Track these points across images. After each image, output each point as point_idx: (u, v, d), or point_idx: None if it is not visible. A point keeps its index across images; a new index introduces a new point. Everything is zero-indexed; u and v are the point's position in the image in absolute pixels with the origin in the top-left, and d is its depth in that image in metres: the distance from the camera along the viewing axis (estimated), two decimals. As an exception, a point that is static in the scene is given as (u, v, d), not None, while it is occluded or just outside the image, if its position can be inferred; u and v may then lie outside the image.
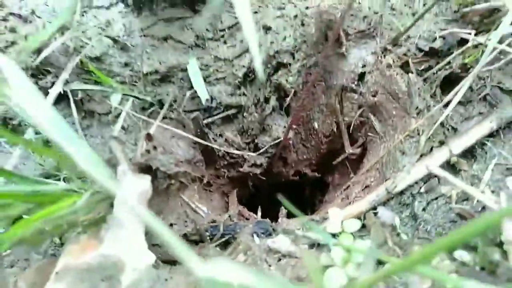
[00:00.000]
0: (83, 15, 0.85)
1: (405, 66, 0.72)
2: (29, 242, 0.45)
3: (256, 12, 0.83)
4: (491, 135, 0.66)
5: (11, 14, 0.84)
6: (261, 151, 0.77)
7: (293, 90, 0.75)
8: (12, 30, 0.82)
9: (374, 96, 0.73)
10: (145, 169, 0.60)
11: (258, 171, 0.79)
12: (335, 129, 0.83)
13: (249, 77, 0.77)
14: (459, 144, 0.64)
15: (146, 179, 0.58)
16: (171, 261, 0.59)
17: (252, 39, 0.32)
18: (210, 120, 0.77)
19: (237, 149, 0.76)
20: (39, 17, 0.86)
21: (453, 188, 0.61)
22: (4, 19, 0.83)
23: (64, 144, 0.33)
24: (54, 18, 0.85)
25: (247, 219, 0.70)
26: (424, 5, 0.80)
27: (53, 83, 0.74)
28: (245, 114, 0.76)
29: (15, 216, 0.49)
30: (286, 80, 0.74)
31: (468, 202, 0.59)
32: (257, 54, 0.31)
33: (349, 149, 0.81)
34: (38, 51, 0.72)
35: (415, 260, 0.28)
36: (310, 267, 0.26)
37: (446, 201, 0.61)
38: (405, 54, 0.74)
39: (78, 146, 0.34)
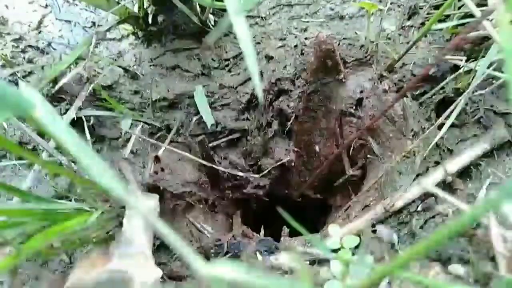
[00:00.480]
0: (96, 47, 0.90)
1: (402, 92, 0.76)
2: (44, 255, 0.48)
3: (259, 43, 0.88)
4: (485, 155, 0.69)
5: (29, 46, 0.90)
6: (264, 173, 0.80)
7: (294, 115, 0.79)
8: (30, 61, 0.88)
9: (372, 119, 0.77)
10: (153, 189, 0.63)
11: (261, 192, 0.82)
12: (335, 152, 0.86)
13: (252, 103, 0.81)
14: (454, 164, 0.66)
15: (154, 198, 0.61)
16: (176, 277, 0.61)
17: (254, 68, 0.36)
18: (215, 143, 0.80)
19: (241, 171, 0.79)
20: (54, 49, 0.92)
21: (449, 206, 0.63)
22: (23, 51, 0.89)
23: (82, 159, 0.36)
24: (70, 50, 0.91)
25: (250, 238, 0.72)
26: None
27: (67, 110, 0.79)
28: (248, 137, 0.80)
29: (30, 233, 0.52)
30: (287, 106, 0.78)
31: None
32: (258, 81, 0.35)
33: (349, 171, 0.84)
34: (55, 80, 0.77)
35: (397, 265, 0.30)
36: (303, 279, 0.29)
37: (443, 219, 0.63)
38: (400, 80, 0.77)
39: (95, 162, 0.37)
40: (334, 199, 0.94)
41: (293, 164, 0.82)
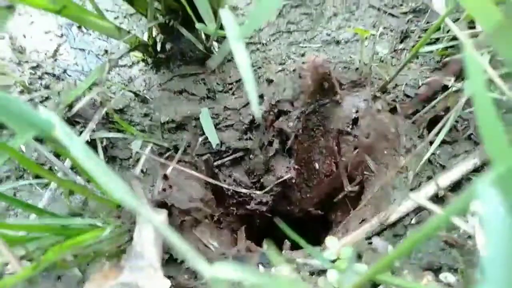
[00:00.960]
0: (109, 73, 0.97)
1: (394, 111, 0.80)
2: (59, 267, 0.52)
3: (260, 67, 0.94)
4: (476, 170, 0.72)
5: (46, 73, 0.97)
6: (266, 189, 0.84)
7: (293, 134, 0.84)
8: (47, 87, 0.94)
9: (367, 137, 0.81)
10: (162, 205, 0.68)
11: (264, 208, 0.86)
12: (334, 169, 0.90)
13: (254, 123, 0.86)
14: (446, 179, 0.70)
15: (163, 213, 0.66)
16: (184, 288, 0.64)
17: (252, 91, 0.41)
18: (220, 162, 0.85)
19: (244, 188, 0.83)
20: (69, 76, 0.98)
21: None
22: (40, 78, 0.96)
23: (98, 175, 0.41)
24: (84, 76, 0.97)
25: (253, 252, 0.75)
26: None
27: (81, 132, 0.84)
28: (251, 156, 0.85)
29: (47, 247, 0.56)
30: (287, 125, 0.83)
31: (455, 231, 0.65)
32: (255, 103, 0.40)
33: (348, 187, 0.87)
34: (70, 104, 0.82)
35: (382, 265, 0.34)
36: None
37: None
38: (393, 100, 0.82)
39: (110, 178, 0.42)
40: (335, 214, 0.98)
41: (293, 181, 0.86)
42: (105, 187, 0.41)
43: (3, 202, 0.80)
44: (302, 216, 1.00)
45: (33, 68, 0.96)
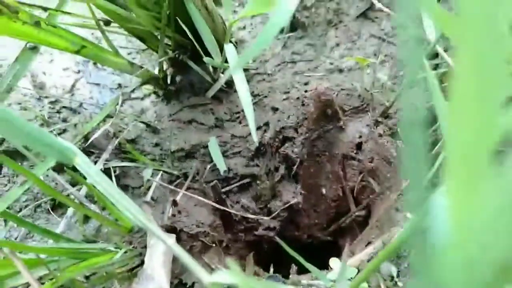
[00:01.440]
0: (122, 106, 1.02)
1: (396, 135, 0.83)
2: (75, 287, 0.54)
3: (266, 96, 0.98)
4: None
5: (64, 107, 1.02)
6: (273, 215, 0.86)
7: (298, 160, 0.86)
8: (64, 120, 1.00)
9: (371, 162, 0.83)
10: (171, 230, 0.70)
11: (272, 234, 0.88)
12: (341, 194, 0.92)
13: (260, 150, 0.89)
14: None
15: (172, 237, 0.68)
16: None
17: (250, 116, 0.44)
18: (227, 188, 0.87)
19: (252, 214, 0.86)
20: (85, 109, 1.04)
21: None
22: (58, 112, 1.01)
23: (114, 199, 0.44)
24: (99, 109, 1.02)
25: (260, 276, 0.76)
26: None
27: (95, 162, 0.88)
28: (258, 182, 0.87)
29: (64, 269, 0.59)
30: (292, 151, 0.86)
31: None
32: (252, 123, 0.43)
33: (354, 211, 0.89)
34: (86, 136, 0.87)
35: (370, 269, 0.36)
36: None
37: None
38: (395, 125, 0.85)
39: (125, 200, 0.45)
40: (344, 240, 0.99)
41: (300, 206, 0.88)
42: (120, 209, 0.44)
43: (22, 229, 0.84)
44: (311, 242, 1.01)
45: (52, 102, 1.02)
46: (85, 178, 0.66)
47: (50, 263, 0.58)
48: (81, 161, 0.46)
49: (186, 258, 0.35)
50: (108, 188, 0.44)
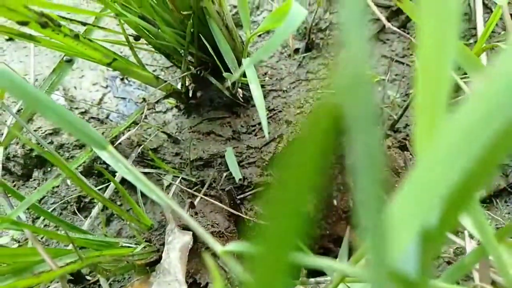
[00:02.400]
0: (146, 118, 1.08)
1: (404, 148, 0.86)
2: (99, 273, 0.59)
3: (281, 111, 1.03)
4: (484, 202, 0.76)
5: (92, 118, 1.10)
6: (285, 222, 0.89)
7: (310, 169, 0.90)
8: (92, 130, 1.06)
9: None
10: (188, 229, 0.75)
11: (284, 241, 0.91)
12: (351, 205, 0.95)
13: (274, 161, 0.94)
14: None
15: (188, 234, 0.72)
16: (206, 305, 0.69)
17: (261, 106, 0.49)
18: (242, 196, 0.92)
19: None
20: (111, 121, 1.11)
21: (451, 246, 0.69)
22: (87, 121, 1.08)
23: (148, 191, 0.49)
24: (124, 121, 1.09)
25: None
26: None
27: (119, 168, 0.94)
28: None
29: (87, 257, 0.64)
30: (304, 161, 0.90)
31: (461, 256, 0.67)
32: (265, 123, 0.48)
33: (365, 222, 0.91)
34: (112, 143, 0.93)
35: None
36: None
37: (445, 260, 0.69)
38: (404, 139, 0.88)
39: (150, 186, 0.50)
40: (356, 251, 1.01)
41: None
42: (149, 195, 0.49)
43: (49, 228, 0.89)
44: (323, 253, 1.03)
45: (81, 113, 1.09)
46: (113, 176, 0.72)
47: (74, 254, 0.63)
48: (113, 151, 0.52)
49: (199, 230, 0.40)
50: (139, 175, 0.49)
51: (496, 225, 0.72)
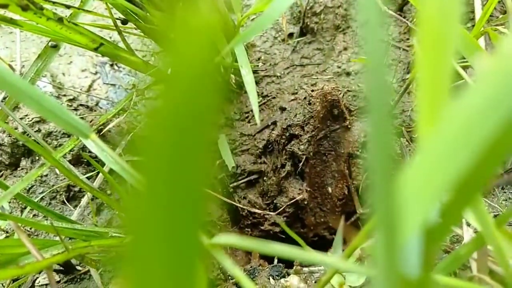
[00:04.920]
0: (136, 105, 1.06)
1: (400, 134, 0.85)
2: (87, 263, 0.57)
3: (274, 97, 1.01)
4: (480, 189, 0.75)
5: (81, 105, 1.07)
6: (279, 210, 0.88)
7: (304, 157, 0.88)
8: (81, 117, 1.04)
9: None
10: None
11: (277, 229, 0.89)
12: (346, 193, 0.94)
13: (268, 148, 0.92)
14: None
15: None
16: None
17: (253, 98, 0.47)
18: (235, 184, 0.90)
19: (258, 209, 0.88)
20: (101, 108, 1.08)
21: (447, 235, 0.68)
22: (76, 109, 1.06)
23: (134, 181, 0.47)
24: (114, 108, 1.07)
25: (264, 266, 0.78)
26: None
27: (109, 156, 0.92)
28: (265, 178, 0.90)
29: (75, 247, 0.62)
30: (298, 148, 0.88)
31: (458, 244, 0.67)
32: (256, 108, 0.46)
33: (360, 210, 0.90)
34: (99, 129, 0.91)
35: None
36: None
37: (441, 248, 0.68)
38: (400, 125, 0.87)
39: (133, 172, 0.48)
40: (350, 239, 1.00)
41: (306, 202, 0.90)
42: (135, 184, 0.47)
43: (38, 218, 0.87)
44: (317, 241, 1.02)
45: (70, 100, 1.06)
46: (102, 165, 0.70)
47: (62, 244, 0.61)
48: (96, 140, 0.50)
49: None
50: (124, 165, 0.47)
51: (493, 212, 0.71)
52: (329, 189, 0.96)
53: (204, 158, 0.12)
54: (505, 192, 0.74)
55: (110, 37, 1.17)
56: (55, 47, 0.86)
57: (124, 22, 0.82)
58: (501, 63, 0.18)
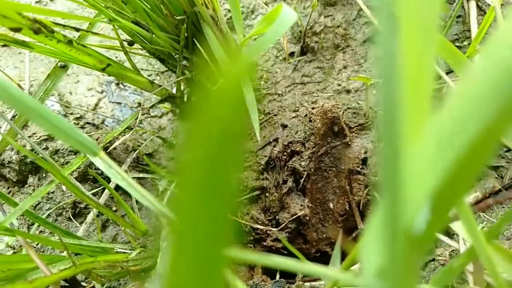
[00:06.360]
0: (141, 123, 1.08)
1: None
2: (93, 278, 0.58)
3: (276, 115, 1.03)
4: (478, 203, 0.76)
5: (87, 123, 1.10)
6: (281, 226, 0.89)
7: (306, 173, 0.90)
8: (88, 134, 1.06)
9: (375, 176, 0.86)
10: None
11: (279, 245, 0.90)
12: (348, 208, 0.95)
13: (270, 164, 0.94)
14: (453, 214, 0.74)
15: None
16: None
17: (255, 120, 0.49)
18: (238, 200, 0.92)
19: (261, 225, 0.89)
20: (107, 126, 1.11)
21: (446, 249, 0.69)
22: (82, 127, 1.08)
23: (138, 192, 0.49)
24: (119, 125, 1.09)
25: (267, 282, 0.79)
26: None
27: (115, 173, 0.94)
28: (267, 194, 0.91)
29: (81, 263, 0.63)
30: (299, 165, 0.90)
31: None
32: (257, 125, 0.48)
33: (361, 225, 0.91)
34: (105, 147, 0.93)
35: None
36: None
37: (440, 263, 0.69)
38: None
39: (139, 190, 0.50)
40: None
41: (307, 218, 0.91)
42: (140, 200, 0.49)
43: (44, 234, 0.89)
44: (319, 257, 1.03)
45: (76, 118, 1.09)
46: (108, 182, 0.72)
47: (69, 260, 0.63)
48: (105, 157, 0.52)
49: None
50: (131, 182, 0.49)
51: (491, 227, 0.72)
52: (331, 205, 0.98)
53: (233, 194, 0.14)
54: (503, 207, 0.75)
55: (116, 57, 1.21)
56: (64, 67, 0.89)
57: (131, 43, 0.85)
58: (478, 76, 0.20)
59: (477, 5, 1.10)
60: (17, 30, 0.63)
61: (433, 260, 0.70)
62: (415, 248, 0.22)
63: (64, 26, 0.71)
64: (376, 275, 0.22)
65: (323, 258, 1.03)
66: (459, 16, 1.13)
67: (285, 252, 0.94)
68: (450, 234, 0.72)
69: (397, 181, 0.20)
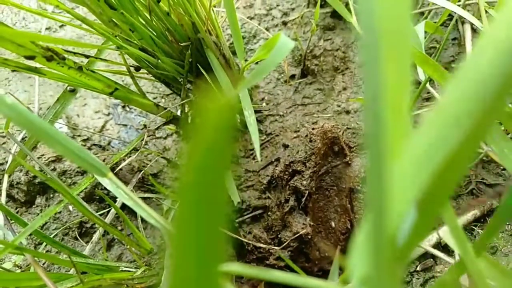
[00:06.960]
0: (146, 144, 1.11)
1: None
2: (100, 296, 0.60)
3: (277, 135, 1.06)
4: (477, 221, 0.77)
5: (94, 145, 1.13)
6: (283, 245, 0.90)
7: (307, 192, 0.92)
8: (95, 155, 1.09)
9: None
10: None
11: (282, 264, 0.91)
12: (349, 226, 0.96)
13: (272, 184, 0.96)
14: (447, 230, 0.75)
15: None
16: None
17: (255, 137, 0.52)
18: (240, 219, 0.93)
19: (263, 244, 0.90)
20: (113, 147, 1.14)
21: (446, 266, 0.70)
22: (89, 148, 1.11)
23: (147, 216, 0.51)
24: (125, 147, 1.12)
25: (270, 300, 0.80)
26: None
27: (120, 193, 0.96)
28: (269, 213, 0.93)
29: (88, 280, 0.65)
30: (301, 184, 0.92)
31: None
32: (257, 146, 0.50)
33: (362, 244, 0.92)
34: (113, 169, 0.96)
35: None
36: None
37: (436, 274, 0.70)
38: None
39: (147, 210, 0.52)
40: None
41: (309, 237, 0.93)
42: (147, 219, 0.51)
43: (51, 253, 0.90)
44: (322, 275, 1.04)
45: (84, 140, 1.12)
46: (114, 201, 0.74)
47: (76, 278, 0.64)
48: (113, 178, 0.54)
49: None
50: (138, 201, 0.51)
51: (490, 244, 0.73)
52: (332, 224, 0.99)
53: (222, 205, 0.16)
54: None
55: (123, 80, 1.25)
56: (73, 91, 0.93)
57: (137, 69, 0.88)
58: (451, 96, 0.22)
59: (472, 28, 1.14)
60: (31, 58, 0.66)
61: (433, 277, 0.71)
62: (398, 256, 0.24)
63: (74, 53, 0.75)
64: (362, 282, 0.24)
65: (326, 277, 1.03)
66: (454, 39, 1.17)
67: (288, 271, 0.95)
68: (449, 251, 0.73)
69: (382, 194, 0.22)
